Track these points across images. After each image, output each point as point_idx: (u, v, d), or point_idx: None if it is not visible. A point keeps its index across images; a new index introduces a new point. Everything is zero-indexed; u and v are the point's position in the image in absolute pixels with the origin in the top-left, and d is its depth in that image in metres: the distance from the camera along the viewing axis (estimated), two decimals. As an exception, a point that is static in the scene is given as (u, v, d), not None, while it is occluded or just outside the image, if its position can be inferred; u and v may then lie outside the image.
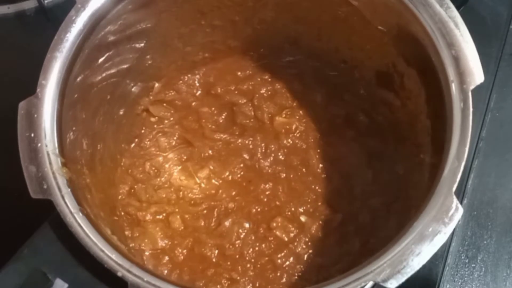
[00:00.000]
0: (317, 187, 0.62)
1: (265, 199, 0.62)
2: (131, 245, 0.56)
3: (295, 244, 0.58)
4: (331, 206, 0.60)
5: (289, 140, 0.65)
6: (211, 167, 0.64)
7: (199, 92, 0.67)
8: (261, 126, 0.65)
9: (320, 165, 0.63)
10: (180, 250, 0.58)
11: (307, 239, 0.58)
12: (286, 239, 0.59)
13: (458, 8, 0.46)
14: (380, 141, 0.61)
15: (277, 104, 0.66)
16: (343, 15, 0.56)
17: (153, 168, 0.64)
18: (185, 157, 0.65)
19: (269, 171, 0.63)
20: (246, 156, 0.64)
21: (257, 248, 0.58)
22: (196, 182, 0.64)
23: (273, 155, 0.64)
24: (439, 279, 0.57)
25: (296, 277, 0.57)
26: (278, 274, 0.57)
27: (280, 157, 0.64)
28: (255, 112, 0.65)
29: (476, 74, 0.44)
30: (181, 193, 0.63)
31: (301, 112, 0.66)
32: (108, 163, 0.58)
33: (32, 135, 0.45)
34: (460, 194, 0.61)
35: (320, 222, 0.60)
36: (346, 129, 0.64)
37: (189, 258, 0.58)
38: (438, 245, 0.40)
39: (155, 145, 0.65)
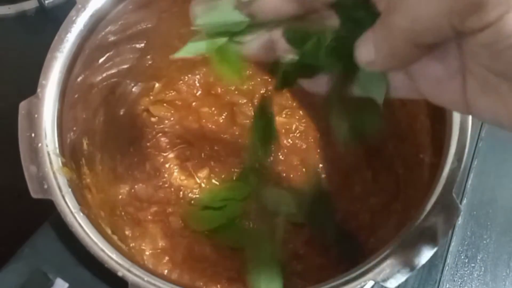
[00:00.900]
0: (317, 187, 0.62)
1: (265, 199, 0.62)
2: (131, 245, 0.56)
3: (295, 243, 0.58)
4: (331, 206, 0.60)
5: (289, 140, 0.65)
6: (211, 167, 0.64)
7: (199, 92, 0.67)
8: (261, 126, 0.65)
9: (320, 165, 0.63)
10: (180, 250, 0.58)
11: (306, 239, 0.58)
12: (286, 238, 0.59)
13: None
14: (380, 141, 0.61)
15: (277, 104, 0.66)
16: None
17: (153, 168, 0.64)
18: (185, 157, 0.65)
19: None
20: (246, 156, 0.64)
21: (257, 248, 0.59)
22: (196, 182, 0.64)
23: (273, 155, 0.64)
24: (439, 279, 0.57)
25: (296, 277, 0.57)
26: (278, 273, 0.57)
27: (280, 157, 0.64)
28: (255, 112, 0.66)
29: (476, 74, 0.44)
30: (181, 193, 0.63)
31: (301, 112, 0.66)
32: (108, 163, 0.58)
33: (33, 135, 0.45)
34: (460, 194, 0.61)
35: (320, 222, 0.60)
36: (346, 129, 0.64)
37: (189, 258, 0.58)
38: (437, 245, 0.40)
39: (155, 145, 0.65)
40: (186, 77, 0.67)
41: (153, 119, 0.65)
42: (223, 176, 0.64)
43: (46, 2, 0.70)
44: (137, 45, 0.57)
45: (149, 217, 0.60)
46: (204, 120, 0.66)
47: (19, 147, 0.45)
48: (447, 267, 0.58)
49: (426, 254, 0.40)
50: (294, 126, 0.65)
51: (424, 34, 0.25)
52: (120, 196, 0.60)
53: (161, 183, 0.63)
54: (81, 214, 0.44)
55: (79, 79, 0.50)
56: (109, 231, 0.47)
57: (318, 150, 0.64)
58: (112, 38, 0.53)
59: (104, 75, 0.55)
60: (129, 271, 0.42)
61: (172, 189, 0.63)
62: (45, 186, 0.44)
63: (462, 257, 0.59)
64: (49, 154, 0.45)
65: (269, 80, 0.66)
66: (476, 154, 0.64)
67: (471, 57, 0.26)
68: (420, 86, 0.29)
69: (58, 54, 0.47)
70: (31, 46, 0.62)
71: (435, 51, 0.27)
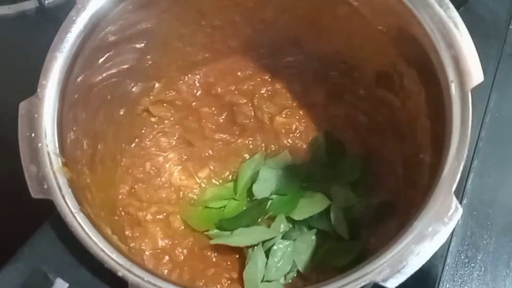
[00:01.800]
0: (317, 187, 0.62)
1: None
2: (131, 245, 0.56)
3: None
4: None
5: (289, 140, 0.65)
6: (211, 167, 0.64)
7: (199, 92, 0.67)
8: (261, 126, 0.65)
9: (320, 165, 0.63)
10: (180, 250, 0.58)
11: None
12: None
13: (457, 8, 0.46)
14: (380, 141, 0.61)
15: (277, 104, 0.66)
16: (343, 15, 0.56)
17: (153, 168, 0.64)
18: (185, 157, 0.65)
19: (269, 171, 0.63)
20: (246, 156, 0.64)
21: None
22: (196, 182, 0.64)
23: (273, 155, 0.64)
24: (439, 279, 0.57)
25: (296, 277, 0.57)
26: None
27: (280, 157, 0.64)
28: (255, 112, 0.66)
29: (476, 74, 0.44)
30: (181, 193, 0.63)
31: (301, 112, 0.66)
32: (108, 163, 0.58)
33: (33, 135, 0.45)
34: (460, 194, 0.61)
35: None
36: (346, 129, 0.64)
37: (189, 258, 0.58)
38: (437, 245, 0.40)
39: (156, 145, 0.65)
40: (186, 77, 0.66)
41: (153, 119, 0.65)
42: (223, 176, 0.64)
43: (46, 2, 0.70)
44: (137, 45, 0.57)
45: (149, 217, 0.60)
46: (204, 120, 0.66)
47: (19, 147, 0.45)
48: (447, 267, 0.58)
49: (426, 254, 0.40)
50: (294, 126, 0.65)
51: None
52: (120, 196, 0.60)
53: (161, 183, 0.63)
54: (81, 214, 0.44)
55: (79, 79, 0.50)
56: (109, 231, 0.47)
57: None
58: (112, 38, 0.53)
59: (104, 75, 0.55)
60: (129, 271, 0.42)
61: (172, 189, 0.63)
62: (45, 186, 0.44)
63: (462, 257, 0.59)
64: (49, 154, 0.45)
65: (269, 80, 0.67)
66: (476, 154, 0.64)
67: None
68: None
69: (58, 54, 0.47)
70: (31, 46, 0.62)
71: None
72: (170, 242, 0.59)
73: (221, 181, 0.64)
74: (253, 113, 0.66)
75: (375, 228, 0.57)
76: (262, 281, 0.55)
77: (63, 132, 0.47)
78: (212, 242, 0.57)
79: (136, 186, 0.61)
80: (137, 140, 0.64)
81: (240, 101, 0.66)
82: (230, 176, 0.64)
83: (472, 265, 0.59)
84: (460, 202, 0.60)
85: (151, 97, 0.64)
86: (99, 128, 0.56)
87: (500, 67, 0.69)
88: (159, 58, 0.61)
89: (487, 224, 0.61)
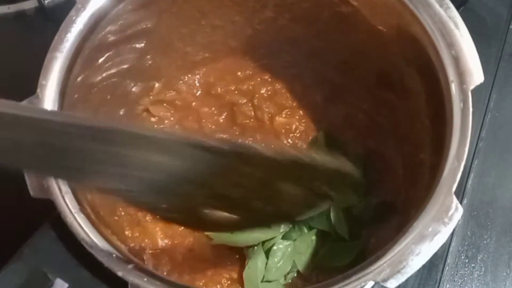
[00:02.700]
0: (317, 187, 0.62)
1: (265, 199, 0.62)
2: (131, 245, 0.56)
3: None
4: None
5: (289, 140, 0.65)
6: (211, 167, 0.64)
7: (199, 92, 0.67)
8: (261, 126, 0.65)
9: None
10: (180, 250, 0.58)
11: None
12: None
13: (458, 8, 0.46)
14: (380, 141, 0.61)
15: (277, 104, 0.66)
16: (343, 15, 0.56)
17: (153, 168, 0.63)
18: (185, 157, 0.65)
19: (269, 171, 0.63)
20: (246, 156, 0.64)
21: (257, 248, 0.59)
22: (196, 182, 0.64)
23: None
24: (439, 279, 0.57)
25: (296, 277, 0.57)
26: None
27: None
28: (255, 112, 0.66)
29: (476, 74, 0.44)
30: (181, 193, 0.63)
31: (301, 112, 0.66)
32: (108, 163, 0.58)
33: (33, 135, 0.45)
34: (460, 194, 0.61)
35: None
36: (346, 129, 0.64)
37: (189, 258, 0.58)
38: (438, 245, 0.40)
39: (155, 145, 0.65)
40: (186, 77, 0.66)
41: (153, 119, 0.65)
42: (223, 176, 0.64)
43: (46, 2, 0.70)
44: (137, 45, 0.57)
45: (149, 217, 0.60)
46: (204, 120, 0.66)
47: (19, 147, 0.45)
48: (447, 267, 0.58)
49: (426, 254, 0.40)
50: (294, 126, 0.65)
51: None
52: (120, 196, 0.60)
53: (161, 183, 0.63)
54: (81, 214, 0.44)
55: (79, 79, 0.50)
56: (109, 231, 0.47)
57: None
58: (112, 38, 0.53)
59: (104, 75, 0.55)
60: (129, 271, 0.42)
61: (172, 189, 0.63)
62: (45, 186, 0.44)
63: (462, 257, 0.59)
64: (49, 154, 0.45)
65: (269, 80, 0.66)
66: (476, 154, 0.64)
67: None
68: None
69: (58, 54, 0.47)
70: (31, 46, 0.62)
71: None
72: (170, 242, 0.59)
73: (221, 181, 0.64)
74: (253, 113, 0.66)
75: (375, 228, 0.57)
76: (262, 281, 0.55)
77: (63, 132, 0.47)
78: (212, 242, 0.57)
79: (136, 186, 0.61)
80: (137, 140, 0.64)
81: (240, 101, 0.66)
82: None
83: (473, 265, 0.59)
84: (460, 202, 0.60)
85: (151, 97, 0.64)
86: (99, 128, 0.56)
87: (500, 67, 0.69)
88: (159, 58, 0.61)
89: (487, 224, 0.61)
